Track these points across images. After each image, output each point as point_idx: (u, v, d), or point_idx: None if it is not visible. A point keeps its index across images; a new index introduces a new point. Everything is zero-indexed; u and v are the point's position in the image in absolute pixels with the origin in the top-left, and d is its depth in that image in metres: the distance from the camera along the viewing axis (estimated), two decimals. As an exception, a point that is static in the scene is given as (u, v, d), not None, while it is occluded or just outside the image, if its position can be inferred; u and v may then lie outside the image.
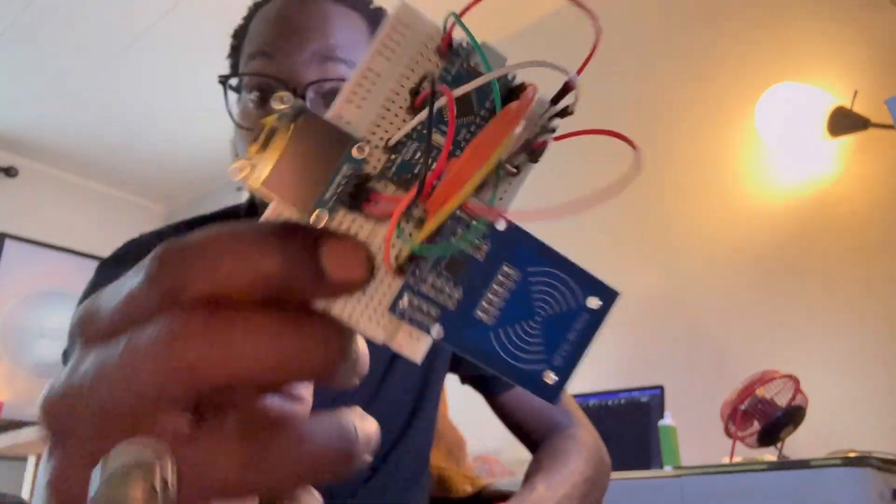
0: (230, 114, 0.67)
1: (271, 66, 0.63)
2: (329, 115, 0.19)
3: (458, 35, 0.21)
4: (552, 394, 0.20)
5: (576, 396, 1.82)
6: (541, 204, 0.19)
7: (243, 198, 3.03)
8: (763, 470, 1.26)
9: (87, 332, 0.19)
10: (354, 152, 0.18)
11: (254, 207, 0.73)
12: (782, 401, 1.43)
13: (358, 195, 0.18)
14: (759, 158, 1.94)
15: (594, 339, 0.21)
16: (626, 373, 2.00)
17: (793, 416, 1.41)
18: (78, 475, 0.17)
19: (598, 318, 0.21)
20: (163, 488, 0.15)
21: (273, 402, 0.19)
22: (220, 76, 0.68)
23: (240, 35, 0.71)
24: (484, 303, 0.19)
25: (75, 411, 0.17)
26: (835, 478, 1.17)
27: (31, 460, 2.29)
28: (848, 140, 1.76)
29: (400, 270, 0.19)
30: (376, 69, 0.19)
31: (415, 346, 0.19)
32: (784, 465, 1.26)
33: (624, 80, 2.34)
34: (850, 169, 1.77)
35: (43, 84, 3.16)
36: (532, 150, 0.21)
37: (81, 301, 0.66)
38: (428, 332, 0.19)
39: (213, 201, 4.06)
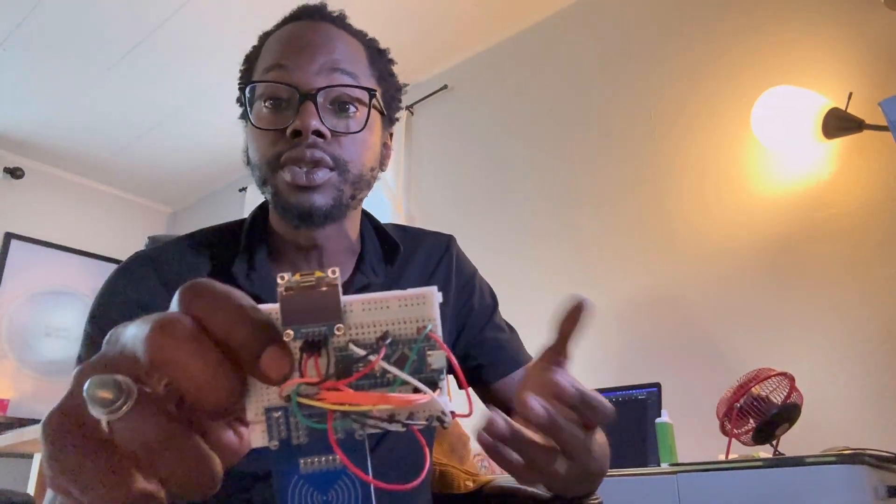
0: (248, 118, 0.74)
1: (286, 76, 0.71)
2: (343, 299, 0.28)
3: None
4: None
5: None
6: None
7: (245, 201, 3.02)
8: (759, 467, 1.27)
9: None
10: (335, 331, 0.27)
11: (253, 226, 0.78)
12: (778, 398, 1.44)
13: (312, 346, 0.27)
14: (755, 160, 1.96)
15: None
16: (623, 370, 2.02)
17: (788, 413, 1.43)
18: (66, 401, 0.27)
19: None
20: (127, 394, 0.25)
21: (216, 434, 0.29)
22: (240, 83, 0.76)
23: (251, 59, 0.79)
24: (310, 460, 0.28)
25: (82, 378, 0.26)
26: (830, 475, 1.19)
27: (37, 458, 2.30)
28: (842, 141, 1.78)
29: (287, 399, 0.27)
30: (387, 303, 0.28)
31: (257, 437, 0.28)
32: (779, 462, 1.27)
33: (622, 85, 2.36)
34: (844, 170, 1.79)
35: (48, 86, 3.18)
36: (405, 424, 0.28)
37: (94, 306, 0.70)
38: (270, 440, 0.28)
39: (216, 202, 4.08)
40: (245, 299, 0.27)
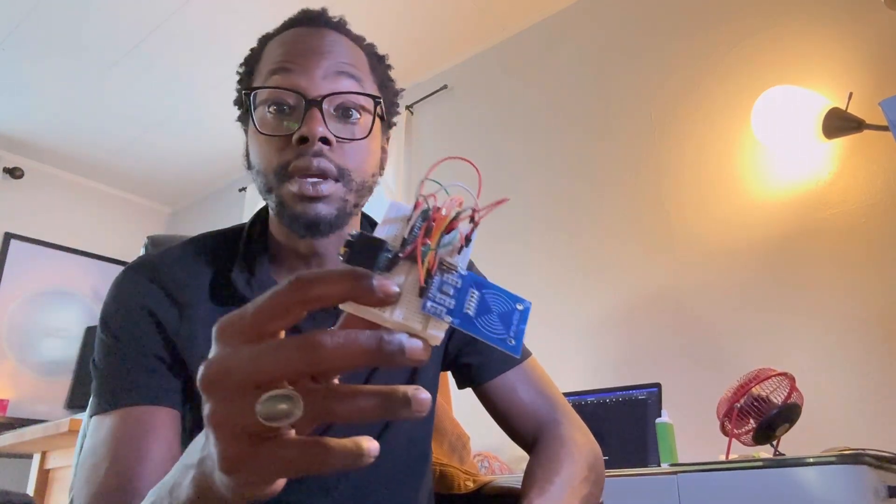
0: (251, 122, 0.73)
1: (289, 80, 0.70)
2: (376, 233, 0.36)
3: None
4: (515, 350, 0.35)
5: (574, 394, 1.84)
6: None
7: (245, 201, 3.01)
8: (759, 467, 1.27)
9: (227, 334, 0.32)
10: (388, 247, 0.35)
11: (252, 229, 0.79)
12: (778, 399, 1.44)
13: (390, 266, 0.35)
14: (755, 160, 1.96)
15: (527, 322, 0.36)
16: (623, 371, 2.02)
17: (788, 413, 1.43)
18: (232, 412, 0.31)
19: (525, 312, 0.37)
20: (296, 405, 0.30)
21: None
22: (245, 88, 0.75)
23: (251, 62, 0.78)
24: (468, 306, 0.35)
25: (230, 378, 0.31)
26: (830, 475, 1.19)
27: (36, 458, 2.30)
28: (842, 141, 1.78)
29: (421, 291, 0.34)
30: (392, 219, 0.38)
31: (440, 327, 0.34)
32: (780, 462, 1.27)
33: (622, 85, 2.36)
34: (844, 170, 1.79)
35: (48, 86, 3.18)
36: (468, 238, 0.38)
37: (103, 312, 0.72)
38: (445, 319, 0.34)
39: (216, 202, 4.08)
40: (342, 272, 0.32)
